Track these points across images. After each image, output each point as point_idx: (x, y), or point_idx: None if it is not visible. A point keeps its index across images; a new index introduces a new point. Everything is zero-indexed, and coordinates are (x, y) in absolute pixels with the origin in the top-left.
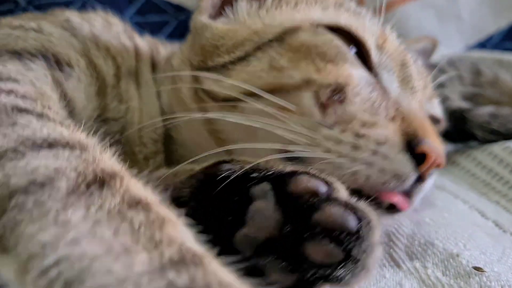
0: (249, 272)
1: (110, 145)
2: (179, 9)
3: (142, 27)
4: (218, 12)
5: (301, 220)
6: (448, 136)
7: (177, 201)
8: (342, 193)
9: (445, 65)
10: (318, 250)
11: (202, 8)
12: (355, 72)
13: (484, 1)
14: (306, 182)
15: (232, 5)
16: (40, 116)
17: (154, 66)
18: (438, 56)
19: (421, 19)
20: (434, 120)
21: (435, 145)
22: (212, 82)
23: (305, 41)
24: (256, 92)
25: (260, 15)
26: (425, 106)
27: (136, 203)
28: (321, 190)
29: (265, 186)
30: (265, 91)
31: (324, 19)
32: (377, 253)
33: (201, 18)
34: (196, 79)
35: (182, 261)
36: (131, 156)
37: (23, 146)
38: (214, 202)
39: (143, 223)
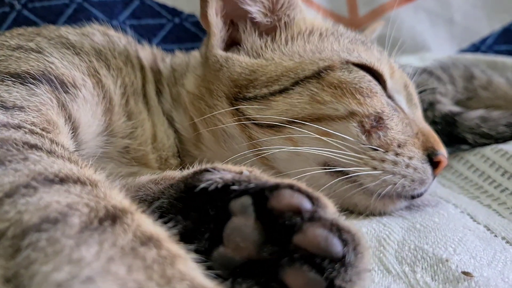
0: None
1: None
2: (174, 12)
3: (137, 30)
4: (231, 43)
5: (281, 241)
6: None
7: (157, 211)
8: (329, 210)
9: (437, 70)
10: (297, 278)
11: (214, 45)
12: (384, 100)
13: (477, 4)
14: (288, 198)
15: (241, 38)
16: (49, 152)
17: (159, 85)
18: (431, 60)
19: (414, 23)
20: None
21: (445, 153)
22: (255, 111)
23: (343, 79)
24: (301, 121)
25: (283, 50)
26: None
27: (148, 239)
28: (304, 207)
29: (245, 200)
30: (308, 120)
31: (352, 58)
32: (365, 281)
33: (218, 52)
34: (236, 110)
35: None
36: (143, 163)
37: (35, 181)
38: (192, 215)
39: (155, 260)
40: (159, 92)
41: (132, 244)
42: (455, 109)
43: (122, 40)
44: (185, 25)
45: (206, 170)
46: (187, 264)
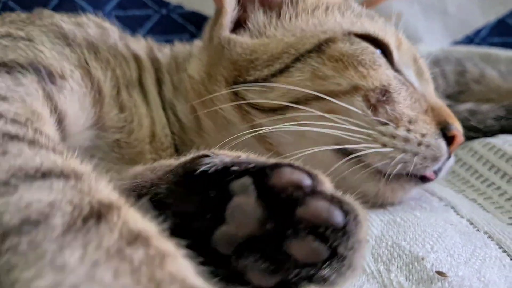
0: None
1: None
2: (161, 3)
3: (123, 21)
4: (236, 26)
5: (284, 216)
6: None
7: (155, 199)
8: (327, 185)
9: (429, 63)
10: (302, 248)
11: (223, 25)
12: (390, 74)
13: None
14: (289, 175)
15: (248, 19)
16: (32, 142)
17: (161, 74)
18: (423, 53)
19: (407, 15)
20: None
21: (459, 127)
22: (256, 95)
23: (345, 51)
24: (317, 95)
25: (286, 26)
26: None
27: (135, 238)
28: (305, 183)
29: (246, 180)
30: (311, 98)
31: (354, 29)
32: (365, 250)
33: (225, 33)
34: (235, 94)
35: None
36: (135, 158)
37: (15, 178)
38: (193, 199)
39: (143, 261)
40: (160, 81)
41: (118, 245)
42: (444, 102)
43: (116, 33)
44: (172, 16)
45: (205, 156)
46: (178, 263)
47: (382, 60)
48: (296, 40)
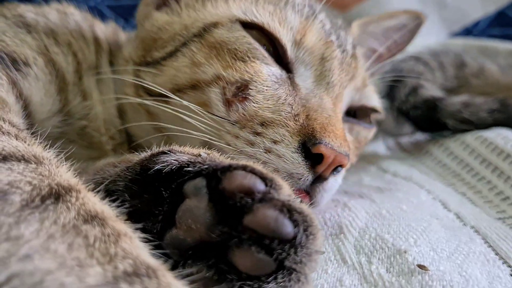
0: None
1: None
2: None
3: (115, 10)
4: (163, 3)
5: (232, 222)
6: (420, 125)
7: (112, 195)
8: (284, 191)
9: (426, 55)
10: (246, 259)
11: (149, 1)
12: (265, 69)
13: None
14: (240, 179)
15: None
16: None
17: (112, 57)
18: (420, 47)
19: (403, 5)
20: (368, 109)
21: (333, 146)
22: (150, 78)
23: (220, 38)
24: (167, 94)
25: (195, 6)
26: (353, 97)
27: (92, 218)
28: (257, 188)
29: (199, 182)
30: (188, 87)
31: (240, 15)
32: (316, 263)
33: (145, 9)
34: (138, 75)
35: (136, 273)
36: (99, 148)
37: None
38: (146, 198)
39: (98, 238)
40: (111, 64)
41: (74, 222)
42: (438, 94)
43: (77, 16)
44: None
45: (163, 153)
46: (133, 242)
47: (261, 53)
48: (190, 22)
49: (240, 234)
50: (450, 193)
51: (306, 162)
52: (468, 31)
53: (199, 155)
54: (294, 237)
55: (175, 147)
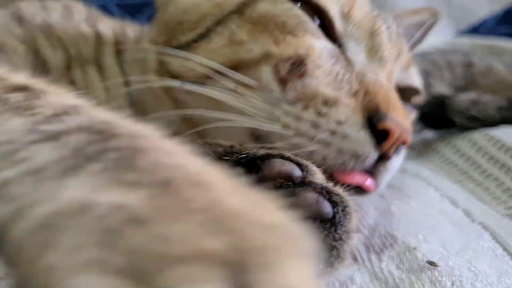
0: None
1: None
2: None
3: (122, 8)
4: None
5: None
6: (428, 122)
7: None
8: (318, 176)
9: (434, 54)
10: None
11: None
12: (317, 44)
13: None
14: (279, 166)
15: None
16: None
17: (119, 50)
18: (427, 45)
19: (410, 3)
20: (412, 90)
21: (398, 121)
22: (178, 63)
23: (264, 12)
24: (219, 69)
25: None
26: (399, 76)
27: (16, 88)
28: (295, 174)
29: (238, 171)
30: (228, 67)
31: None
32: (353, 240)
33: None
34: (162, 63)
35: (56, 114)
36: None
37: None
38: None
39: (20, 99)
40: (118, 52)
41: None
42: (446, 92)
43: (82, 13)
44: None
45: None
46: (60, 95)
47: (311, 26)
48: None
49: None
50: (458, 190)
51: (372, 139)
52: (475, 29)
53: (232, 146)
54: (333, 217)
55: (209, 140)
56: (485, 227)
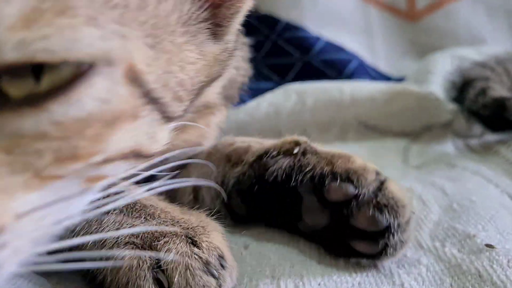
0: None
1: None
2: None
3: None
4: None
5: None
6: (489, 125)
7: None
8: (370, 177)
9: (491, 62)
10: (362, 244)
11: None
12: None
13: None
14: (336, 190)
15: None
16: None
17: None
18: (486, 54)
19: (470, 15)
20: None
21: None
22: None
23: None
24: None
25: None
26: None
27: None
28: (350, 193)
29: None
30: None
31: None
32: (408, 245)
33: None
34: None
35: None
36: None
37: None
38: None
39: None
40: None
41: None
42: (507, 94)
43: None
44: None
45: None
46: None
47: None
48: None
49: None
50: None
51: None
52: None
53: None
54: (388, 227)
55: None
56: None
